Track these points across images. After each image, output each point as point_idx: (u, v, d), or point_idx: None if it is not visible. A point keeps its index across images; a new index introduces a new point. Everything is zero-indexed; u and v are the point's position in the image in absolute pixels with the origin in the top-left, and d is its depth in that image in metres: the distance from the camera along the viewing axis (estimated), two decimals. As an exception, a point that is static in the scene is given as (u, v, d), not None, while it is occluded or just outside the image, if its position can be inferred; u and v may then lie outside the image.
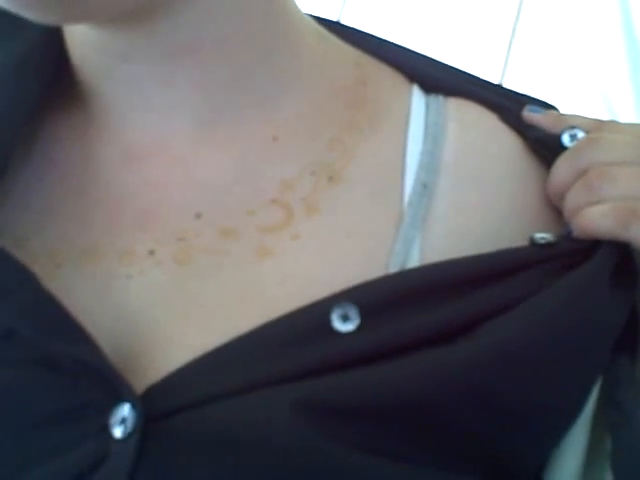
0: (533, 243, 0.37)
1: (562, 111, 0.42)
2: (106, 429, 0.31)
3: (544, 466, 0.37)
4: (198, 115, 0.38)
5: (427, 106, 0.41)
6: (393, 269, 0.36)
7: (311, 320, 0.33)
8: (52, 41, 0.40)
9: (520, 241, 0.37)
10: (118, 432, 0.31)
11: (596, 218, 0.36)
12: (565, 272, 0.35)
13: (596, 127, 0.39)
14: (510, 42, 1.07)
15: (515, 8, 1.08)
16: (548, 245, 0.36)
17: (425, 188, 0.38)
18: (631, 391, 0.37)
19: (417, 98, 0.42)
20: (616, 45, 1.03)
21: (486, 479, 0.34)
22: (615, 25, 1.03)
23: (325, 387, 0.32)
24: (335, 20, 0.44)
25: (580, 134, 0.39)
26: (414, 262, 0.36)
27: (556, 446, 0.36)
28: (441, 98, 0.42)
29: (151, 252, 0.37)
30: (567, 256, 0.36)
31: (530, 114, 0.41)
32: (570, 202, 0.37)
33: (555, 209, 0.39)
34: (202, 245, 0.37)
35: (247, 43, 0.38)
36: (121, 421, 0.31)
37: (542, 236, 0.37)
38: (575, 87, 0.99)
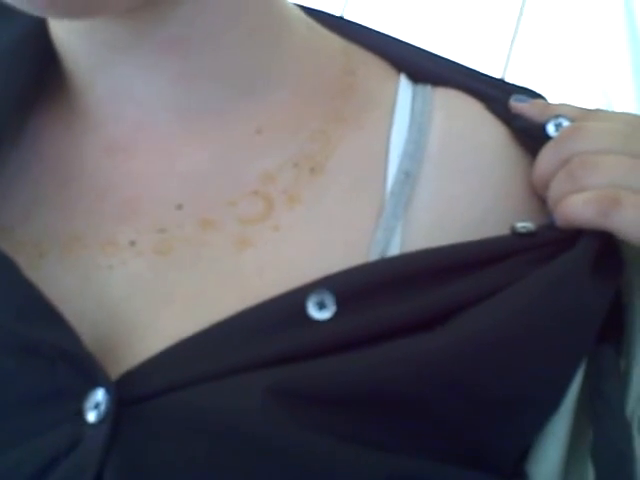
0: (514, 232, 0.36)
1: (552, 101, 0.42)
2: (80, 414, 0.32)
3: (526, 457, 0.36)
4: (182, 107, 0.38)
5: (414, 95, 0.41)
6: (373, 258, 0.36)
7: (286, 307, 0.33)
8: (39, 31, 0.40)
9: (504, 231, 0.37)
10: (92, 416, 0.32)
11: (578, 206, 0.35)
12: (546, 261, 0.35)
13: (582, 116, 0.39)
14: (512, 39, 1.06)
15: (518, 5, 1.08)
16: (529, 234, 0.36)
17: (408, 177, 0.38)
18: (614, 381, 0.37)
19: (404, 87, 0.42)
20: (618, 43, 1.02)
21: (464, 467, 0.34)
22: (618, 22, 1.03)
23: (298, 374, 0.32)
24: (320, 10, 0.44)
25: (565, 123, 0.39)
26: (395, 251, 0.36)
27: (536, 436, 0.36)
28: (428, 87, 0.42)
29: (132, 243, 0.37)
30: (549, 245, 0.36)
31: (516, 103, 0.41)
32: (553, 191, 0.37)
33: (541, 199, 0.39)
34: (182, 236, 0.37)
35: (237, 37, 0.38)
36: (95, 406, 0.32)
37: (523, 225, 0.36)
38: (576, 84, 0.98)
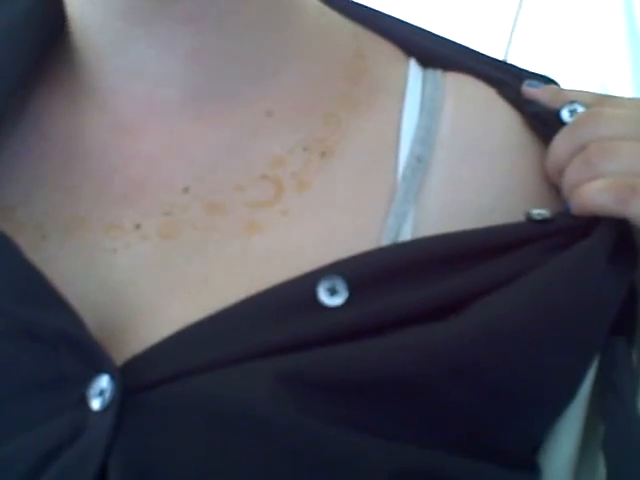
0: (529, 219, 0.35)
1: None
2: (84, 401, 0.31)
3: (539, 450, 0.36)
4: (192, 86, 0.37)
5: (424, 80, 0.41)
6: (385, 244, 0.35)
7: (297, 293, 0.32)
8: (47, 5, 0.39)
9: (516, 217, 0.36)
10: (96, 404, 0.31)
11: (595, 194, 0.34)
12: (562, 249, 0.34)
13: (596, 102, 0.38)
14: (511, 32, 1.06)
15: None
16: (545, 221, 0.35)
17: (419, 162, 0.37)
18: (627, 374, 0.36)
19: (414, 72, 0.41)
20: (617, 35, 1.02)
21: (477, 459, 0.33)
22: (617, 14, 1.03)
23: (309, 361, 0.31)
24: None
25: (580, 109, 0.38)
26: (406, 237, 0.35)
27: (550, 428, 0.35)
28: (439, 72, 0.41)
29: (137, 226, 0.36)
30: (564, 233, 0.35)
31: (529, 89, 0.40)
32: (569, 178, 0.36)
33: (553, 186, 0.38)
34: (189, 220, 0.36)
35: (251, 17, 0.37)
36: (99, 393, 0.31)
37: (539, 212, 0.35)
38: (574, 76, 0.98)
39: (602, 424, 0.36)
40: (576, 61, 1.01)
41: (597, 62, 1.01)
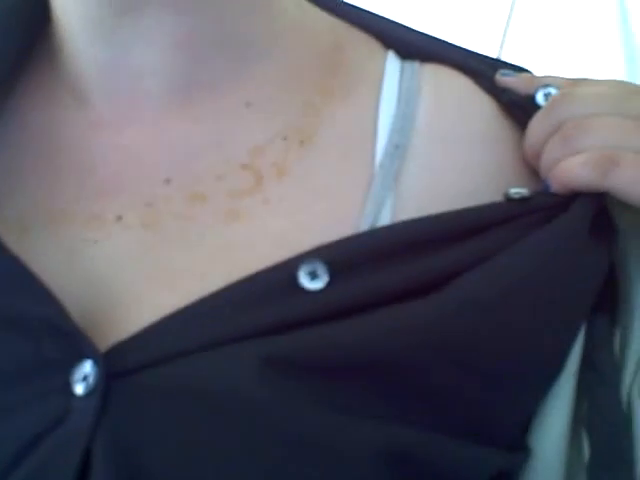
0: (507, 198, 0.36)
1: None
2: (68, 386, 0.31)
3: (528, 430, 0.36)
4: (174, 77, 0.38)
5: (402, 71, 0.41)
6: (364, 229, 0.35)
7: (278, 278, 0.33)
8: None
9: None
10: (80, 389, 0.31)
11: (574, 168, 0.35)
12: (541, 226, 0.35)
13: (569, 84, 0.39)
14: (504, 33, 1.06)
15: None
16: (523, 200, 0.35)
17: (397, 149, 0.37)
18: (607, 352, 0.36)
19: (392, 64, 0.41)
20: (611, 34, 1.02)
21: (464, 441, 0.33)
22: (611, 13, 1.03)
23: (292, 342, 0.31)
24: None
25: (554, 92, 0.38)
26: (385, 222, 0.36)
27: (537, 407, 0.35)
28: (416, 64, 0.42)
29: (119, 217, 0.36)
30: (542, 210, 0.35)
31: (503, 78, 0.41)
32: (547, 157, 0.37)
33: (532, 171, 0.39)
34: (171, 210, 0.36)
35: (235, 8, 0.38)
36: (83, 378, 0.31)
37: (517, 191, 0.36)
38: (567, 69, 0.98)
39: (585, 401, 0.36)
40: (569, 61, 1.01)
41: (590, 61, 1.02)
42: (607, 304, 0.37)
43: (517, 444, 0.35)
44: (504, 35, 1.06)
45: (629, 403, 0.36)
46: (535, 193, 0.36)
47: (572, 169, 0.35)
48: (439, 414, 0.33)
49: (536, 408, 0.35)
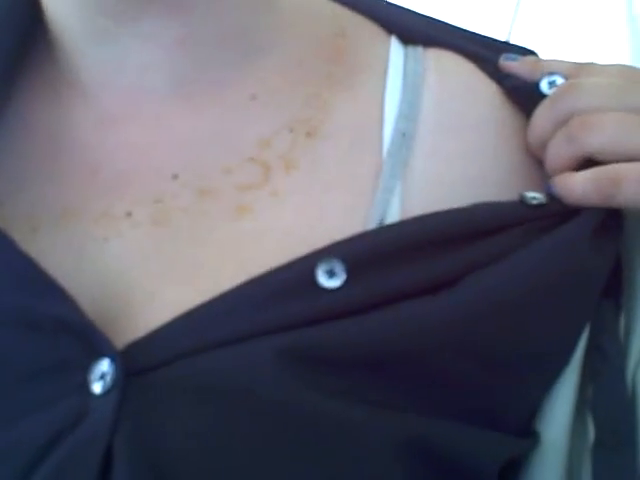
0: (524, 202, 0.36)
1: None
2: (85, 385, 0.31)
3: (535, 416, 0.36)
4: (176, 74, 0.38)
5: (405, 56, 0.41)
6: (373, 220, 0.35)
7: (296, 276, 0.33)
8: None
9: (503, 189, 0.37)
10: (97, 388, 0.31)
11: (577, 192, 0.35)
12: (552, 229, 0.35)
13: (576, 71, 0.38)
14: (509, 32, 1.06)
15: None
16: (539, 206, 0.36)
17: (404, 137, 0.37)
18: (613, 336, 0.37)
19: (395, 49, 0.41)
20: (618, 29, 1.02)
21: (478, 428, 0.34)
22: (618, 9, 1.02)
23: (310, 337, 0.31)
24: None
25: (559, 80, 0.38)
26: (395, 211, 0.36)
27: (546, 394, 0.36)
28: (420, 49, 0.41)
29: (128, 214, 0.36)
30: (556, 216, 0.36)
31: (506, 62, 0.40)
32: (551, 154, 0.37)
33: (536, 159, 0.39)
34: (180, 206, 0.36)
35: (237, 2, 0.37)
36: (100, 377, 0.31)
37: (534, 196, 0.36)
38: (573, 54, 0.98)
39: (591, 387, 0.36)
40: (576, 44, 1.01)
41: (596, 44, 1.01)
42: (612, 289, 0.37)
43: (526, 430, 0.36)
44: (512, 22, 1.05)
45: (634, 387, 0.36)
46: (550, 199, 0.36)
47: (575, 191, 0.35)
48: (455, 403, 0.33)
49: (544, 395, 0.36)
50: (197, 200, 0.36)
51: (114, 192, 0.37)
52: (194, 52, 0.37)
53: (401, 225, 0.35)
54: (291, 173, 0.37)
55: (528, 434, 0.36)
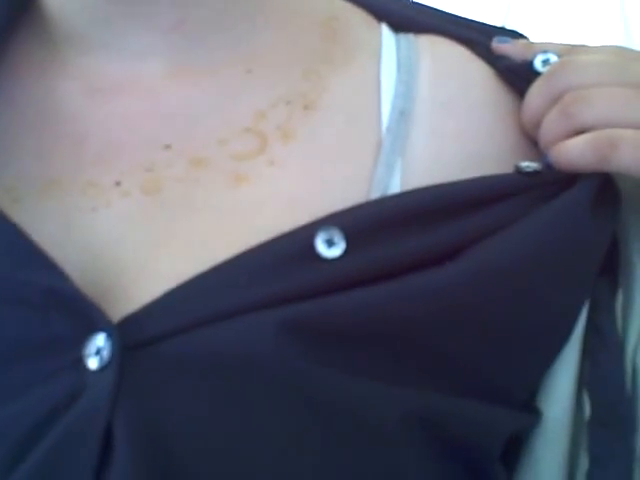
0: (519, 171, 0.36)
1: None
2: (80, 361, 0.29)
3: (537, 392, 0.36)
4: (172, 57, 0.37)
5: (397, 42, 0.41)
6: (375, 194, 0.35)
7: (294, 245, 0.32)
8: None
9: (499, 168, 0.37)
10: (93, 363, 0.29)
11: (573, 153, 0.35)
12: (551, 199, 0.35)
13: (568, 50, 0.39)
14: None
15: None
16: (534, 173, 0.35)
17: (402, 115, 0.37)
18: (608, 314, 0.37)
19: (387, 35, 0.41)
20: (611, 29, 1.03)
21: (480, 403, 0.33)
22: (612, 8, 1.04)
23: (311, 309, 0.31)
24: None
25: (553, 58, 0.38)
26: (396, 187, 0.35)
27: (547, 370, 0.36)
28: (411, 35, 0.41)
29: (117, 183, 0.35)
30: (552, 184, 0.35)
31: (499, 45, 0.41)
32: (546, 130, 0.37)
33: (531, 139, 0.39)
34: (172, 175, 0.35)
35: None
36: (96, 352, 0.29)
37: (528, 165, 0.36)
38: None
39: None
40: (569, 34, 1.01)
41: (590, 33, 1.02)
42: (608, 267, 0.37)
43: (528, 406, 0.36)
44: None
45: (634, 364, 0.36)
46: (544, 166, 0.36)
47: (571, 153, 0.35)
48: (457, 378, 0.33)
49: (546, 371, 0.36)
50: (191, 169, 0.35)
51: (102, 162, 0.35)
52: (189, 35, 0.37)
53: (401, 196, 0.34)
54: (288, 143, 0.36)
55: (530, 410, 0.35)
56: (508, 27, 0.44)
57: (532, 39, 0.42)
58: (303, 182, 0.35)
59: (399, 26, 0.42)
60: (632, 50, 0.38)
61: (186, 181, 0.35)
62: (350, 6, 0.42)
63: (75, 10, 0.37)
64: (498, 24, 0.44)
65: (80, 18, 0.37)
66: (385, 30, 0.41)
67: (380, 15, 0.42)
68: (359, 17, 0.42)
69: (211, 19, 0.37)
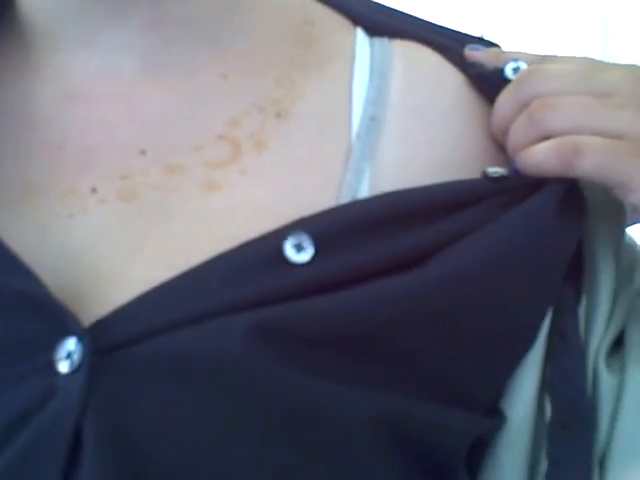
0: (486, 176, 0.36)
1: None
2: (51, 365, 0.30)
3: (501, 395, 0.37)
4: (147, 56, 0.37)
5: (372, 46, 0.41)
6: (344, 200, 0.36)
7: (263, 250, 0.32)
8: None
9: (468, 173, 0.37)
10: (64, 367, 0.30)
11: (539, 159, 0.35)
12: (518, 204, 0.35)
13: (539, 60, 0.39)
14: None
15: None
16: (502, 178, 0.36)
17: (373, 121, 0.38)
18: (571, 318, 0.37)
19: (361, 39, 0.42)
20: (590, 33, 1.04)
21: (445, 407, 0.34)
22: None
23: (280, 313, 0.31)
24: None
25: (523, 66, 0.39)
26: (364, 193, 0.36)
27: (510, 376, 0.37)
28: (385, 40, 0.42)
29: (93, 190, 0.35)
30: (518, 189, 0.36)
31: (471, 52, 0.41)
32: (513, 136, 0.37)
33: (500, 145, 0.39)
34: (147, 182, 0.35)
35: None
36: (67, 356, 0.30)
37: (495, 170, 0.36)
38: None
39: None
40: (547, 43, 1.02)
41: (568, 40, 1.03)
42: (573, 272, 0.38)
43: (493, 410, 0.36)
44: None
45: (595, 369, 0.37)
46: (511, 172, 0.37)
47: (537, 158, 0.36)
48: (423, 382, 0.33)
49: (511, 374, 0.37)
50: (165, 176, 0.35)
51: (78, 168, 0.36)
52: (163, 34, 0.37)
53: (368, 201, 0.35)
54: (261, 152, 0.36)
55: (495, 414, 0.36)
56: (486, 37, 0.44)
57: (507, 48, 0.43)
58: (273, 190, 0.35)
59: (374, 30, 0.42)
60: (601, 61, 0.39)
61: (161, 188, 0.35)
62: (326, 10, 0.43)
63: (50, 7, 0.37)
64: (476, 33, 0.44)
65: (55, 14, 0.37)
66: (360, 34, 0.42)
67: (356, 19, 0.43)
68: (335, 21, 0.42)
69: (187, 19, 0.37)
